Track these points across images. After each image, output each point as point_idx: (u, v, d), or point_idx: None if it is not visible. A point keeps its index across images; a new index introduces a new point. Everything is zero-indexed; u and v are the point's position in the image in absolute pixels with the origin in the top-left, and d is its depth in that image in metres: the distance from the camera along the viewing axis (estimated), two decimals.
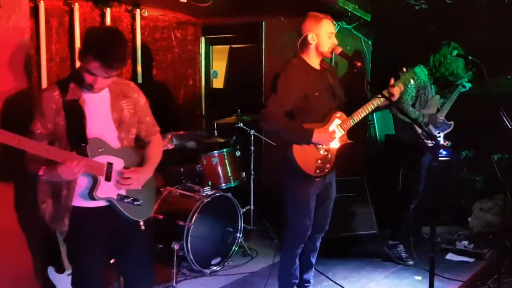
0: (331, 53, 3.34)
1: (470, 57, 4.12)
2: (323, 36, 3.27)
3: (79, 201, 2.54)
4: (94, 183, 2.50)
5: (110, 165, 2.53)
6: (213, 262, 4.23)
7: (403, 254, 4.50)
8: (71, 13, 4.39)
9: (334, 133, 3.31)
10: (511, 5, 4.78)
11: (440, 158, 5.52)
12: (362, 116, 3.39)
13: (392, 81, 3.36)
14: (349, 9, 5.06)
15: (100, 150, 2.50)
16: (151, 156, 2.76)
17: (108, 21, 4.64)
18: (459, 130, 4.62)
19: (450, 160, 5.63)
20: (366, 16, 5.47)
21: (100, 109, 2.55)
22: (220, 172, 4.69)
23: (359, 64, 3.28)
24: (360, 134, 6.02)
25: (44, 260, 3.25)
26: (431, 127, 4.43)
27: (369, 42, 5.91)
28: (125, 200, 2.59)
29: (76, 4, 4.39)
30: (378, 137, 6.36)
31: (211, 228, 4.26)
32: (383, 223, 4.93)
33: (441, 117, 4.48)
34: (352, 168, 5.51)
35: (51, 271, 3.36)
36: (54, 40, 4.33)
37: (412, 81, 4.31)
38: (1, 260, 2.86)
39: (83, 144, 2.44)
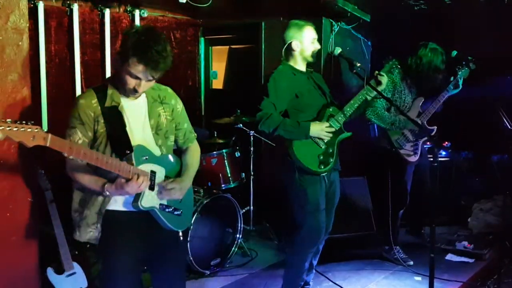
0: (313, 57, 3.49)
1: (469, 57, 4.12)
2: (306, 43, 3.43)
3: (118, 206, 2.46)
4: (138, 193, 2.40)
5: (153, 173, 2.46)
6: (212, 263, 4.23)
7: (402, 255, 4.50)
8: (70, 14, 4.39)
9: (330, 126, 3.39)
10: (511, 6, 4.77)
11: (440, 159, 5.53)
12: (355, 107, 3.46)
13: (376, 72, 3.49)
14: (349, 10, 5.07)
15: (145, 158, 2.43)
16: (190, 165, 2.68)
17: (107, 22, 4.64)
18: (459, 130, 4.61)
19: (450, 160, 5.64)
20: (366, 16, 5.47)
21: (138, 116, 2.49)
22: (220, 173, 4.68)
23: (358, 64, 3.34)
24: (360, 134, 6.01)
25: (44, 261, 3.24)
26: (406, 132, 4.35)
27: (369, 43, 5.91)
28: (167, 210, 2.52)
29: (75, 4, 4.39)
30: (377, 137, 6.35)
31: (210, 229, 4.25)
32: (383, 224, 4.92)
33: (421, 122, 4.38)
34: (352, 168, 5.51)
35: (50, 272, 3.35)
36: (53, 41, 4.32)
37: (396, 77, 4.28)
38: (0, 261, 2.85)
39: (129, 152, 2.36)
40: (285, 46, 3.45)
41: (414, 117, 4.36)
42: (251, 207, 4.93)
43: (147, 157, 2.44)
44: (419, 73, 4.31)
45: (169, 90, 2.68)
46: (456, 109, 4.58)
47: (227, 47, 6.37)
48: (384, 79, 3.45)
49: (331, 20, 5.19)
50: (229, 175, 4.69)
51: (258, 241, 4.95)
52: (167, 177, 2.55)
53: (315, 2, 4.81)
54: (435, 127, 4.41)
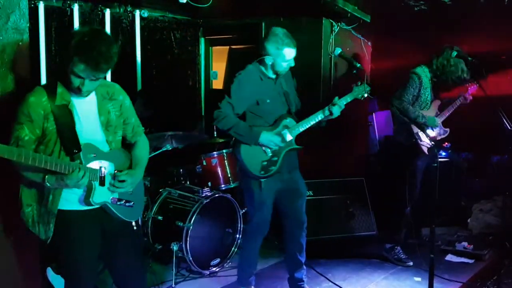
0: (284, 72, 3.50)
1: (470, 58, 4.11)
2: (280, 61, 3.43)
3: (71, 205, 2.52)
4: (89, 189, 2.50)
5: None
6: (212, 263, 4.22)
7: (402, 256, 4.50)
8: (70, 14, 4.39)
9: (282, 137, 3.46)
10: (511, 6, 4.77)
11: (440, 160, 5.53)
12: (310, 124, 3.51)
13: (336, 99, 3.49)
14: (349, 10, 5.06)
15: (93, 155, 2.49)
16: (140, 157, 2.77)
17: (107, 22, 4.64)
18: (459, 131, 4.61)
19: (449, 161, 5.64)
20: (366, 17, 5.46)
21: (88, 113, 2.54)
22: (220, 173, 4.68)
23: (358, 65, 3.34)
24: (359, 135, 6.02)
25: (43, 260, 3.24)
26: (428, 129, 4.38)
27: (369, 43, 5.91)
28: (118, 203, 2.60)
29: (76, 5, 4.39)
30: (377, 138, 6.36)
31: (210, 229, 4.25)
32: (383, 224, 4.92)
33: (439, 122, 4.44)
34: (352, 169, 5.51)
35: (50, 271, 3.35)
36: (54, 41, 4.32)
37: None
38: (0, 261, 2.85)
39: (76, 151, 2.42)
40: (260, 58, 3.48)
41: (432, 116, 4.40)
42: None
43: (95, 154, 2.50)
44: (446, 74, 4.32)
45: (117, 86, 2.72)
46: (456, 109, 4.57)
47: (227, 47, 6.37)
48: (337, 110, 3.46)
49: (331, 20, 5.19)
50: (229, 175, 4.69)
51: None
52: (117, 171, 2.61)
53: (315, 2, 4.80)
54: (448, 129, 4.46)
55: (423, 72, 4.35)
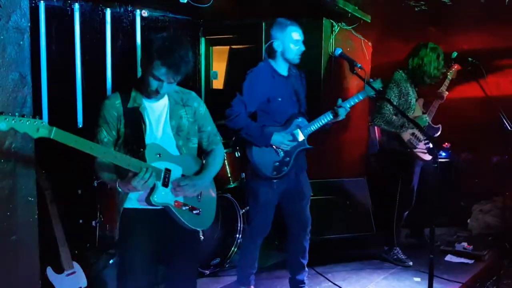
0: (299, 59, 3.47)
1: (470, 59, 4.11)
2: (288, 43, 3.41)
3: (134, 203, 2.56)
4: (151, 188, 2.50)
5: (168, 171, 2.54)
6: (212, 263, 4.23)
7: (401, 256, 4.50)
8: (71, 13, 4.39)
9: (293, 138, 3.43)
10: (511, 7, 4.77)
11: (440, 160, 5.54)
12: (322, 123, 3.51)
13: (339, 101, 3.51)
14: (349, 10, 5.06)
15: (158, 155, 2.50)
16: (209, 164, 2.77)
17: (108, 21, 4.64)
18: (459, 131, 4.61)
19: (449, 161, 5.64)
20: (366, 17, 5.47)
21: (159, 116, 2.59)
22: (220, 173, 4.67)
23: (359, 65, 3.35)
24: (360, 135, 6.02)
25: (43, 260, 3.24)
26: (417, 133, 4.36)
27: (369, 43, 5.91)
28: (183, 208, 2.58)
29: (76, 4, 4.39)
30: (377, 138, 6.36)
31: (210, 229, 4.23)
32: (383, 225, 4.92)
33: (427, 121, 4.42)
34: (352, 169, 5.51)
35: (50, 271, 3.36)
36: (54, 41, 4.32)
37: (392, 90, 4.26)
38: (0, 261, 2.85)
39: (141, 149, 2.46)
40: (267, 45, 3.47)
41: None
42: None
43: (160, 154, 2.51)
44: (422, 74, 4.32)
45: (192, 93, 2.77)
46: (455, 109, 4.58)
47: (228, 47, 6.36)
48: (343, 112, 3.48)
49: (331, 20, 5.19)
50: (229, 175, 4.69)
51: None
52: (184, 176, 2.61)
53: (315, 3, 4.80)
54: (440, 125, 4.45)
55: (402, 77, 4.33)
